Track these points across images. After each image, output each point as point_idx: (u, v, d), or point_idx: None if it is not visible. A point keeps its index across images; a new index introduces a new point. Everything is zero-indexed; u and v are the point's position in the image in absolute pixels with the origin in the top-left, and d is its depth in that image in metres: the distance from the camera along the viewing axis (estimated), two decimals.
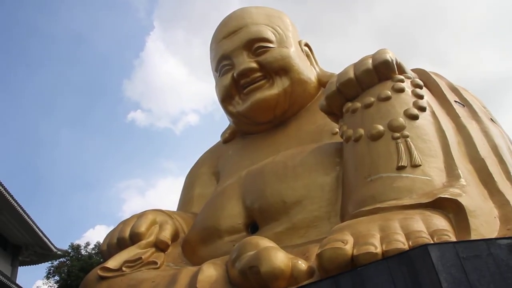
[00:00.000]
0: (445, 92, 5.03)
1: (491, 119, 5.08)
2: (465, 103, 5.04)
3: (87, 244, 33.46)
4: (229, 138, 7.23)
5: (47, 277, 32.06)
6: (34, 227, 26.91)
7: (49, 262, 31.43)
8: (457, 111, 4.75)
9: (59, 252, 29.91)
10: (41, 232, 27.76)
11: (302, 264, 3.48)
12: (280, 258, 3.43)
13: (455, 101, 4.97)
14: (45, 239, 28.39)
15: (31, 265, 30.51)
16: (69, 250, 32.19)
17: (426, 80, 5.14)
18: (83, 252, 33.06)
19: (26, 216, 25.80)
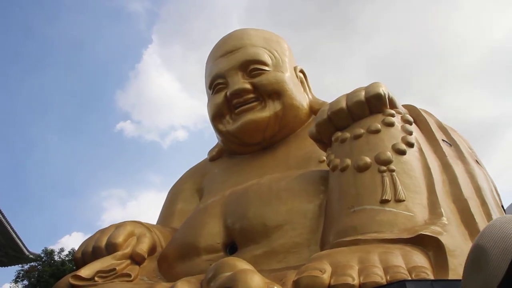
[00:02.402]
0: (433, 130, 5.10)
1: (476, 160, 5.14)
2: (452, 142, 5.11)
3: (61, 250, 32.64)
4: (216, 156, 7.21)
5: (16, 281, 31.14)
6: (9, 227, 26.31)
7: (20, 265, 30.62)
8: (444, 150, 4.80)
9: (31, 256, 29.16)
10: (15, 233, 27.14)
11: None
12: (256, 282, 3.38)
13: (443, 140, 5.03)
14: (18, 241, 27.73)
15: (0, 267, 29.73)
16: (42, 255, 31.33)
17: (416, 116, 5.20)
18: (56, 258, 32.23)
19: (1, 216, 25.26)
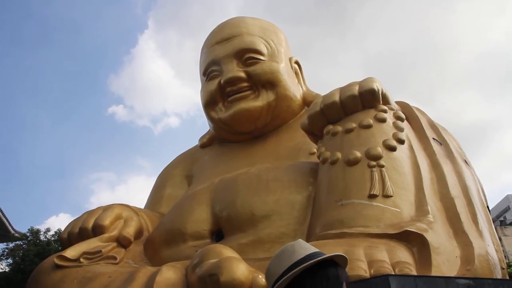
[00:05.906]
0: (425, 128, 5.12)
1: (465, 160, 5.18)
2: (442, 141, 5.13)
3: (48, 230, 32.32)
4: (207, 143, 7.20)
5: (0, 259, 30.93)
6: None
7: (5, 244, 30.42)
8: (434, 148, 4.83)
9: (16, 235, 28.96)
10: (1, 211, 26.93)
11: (262, 279, 3.45)
12: (241, 270, 3.40)
13: (434, 138, 5.06)
14: (4, 219, 27.51)
15: None
16: (28, 234, 31.13)
17: (409, 114, 5.22)
18: (42, 237, 32.00)
19: None
